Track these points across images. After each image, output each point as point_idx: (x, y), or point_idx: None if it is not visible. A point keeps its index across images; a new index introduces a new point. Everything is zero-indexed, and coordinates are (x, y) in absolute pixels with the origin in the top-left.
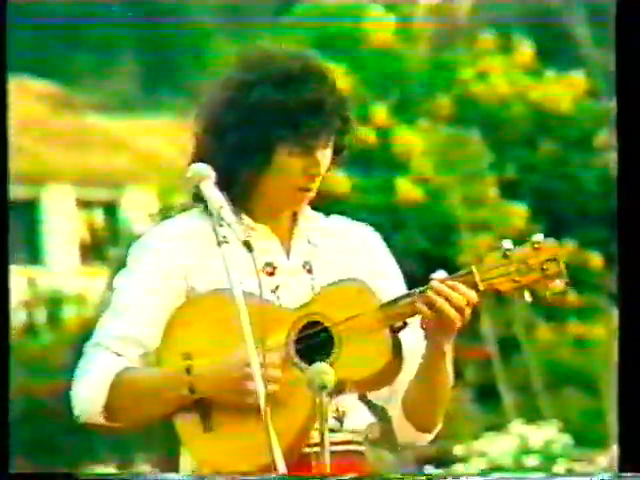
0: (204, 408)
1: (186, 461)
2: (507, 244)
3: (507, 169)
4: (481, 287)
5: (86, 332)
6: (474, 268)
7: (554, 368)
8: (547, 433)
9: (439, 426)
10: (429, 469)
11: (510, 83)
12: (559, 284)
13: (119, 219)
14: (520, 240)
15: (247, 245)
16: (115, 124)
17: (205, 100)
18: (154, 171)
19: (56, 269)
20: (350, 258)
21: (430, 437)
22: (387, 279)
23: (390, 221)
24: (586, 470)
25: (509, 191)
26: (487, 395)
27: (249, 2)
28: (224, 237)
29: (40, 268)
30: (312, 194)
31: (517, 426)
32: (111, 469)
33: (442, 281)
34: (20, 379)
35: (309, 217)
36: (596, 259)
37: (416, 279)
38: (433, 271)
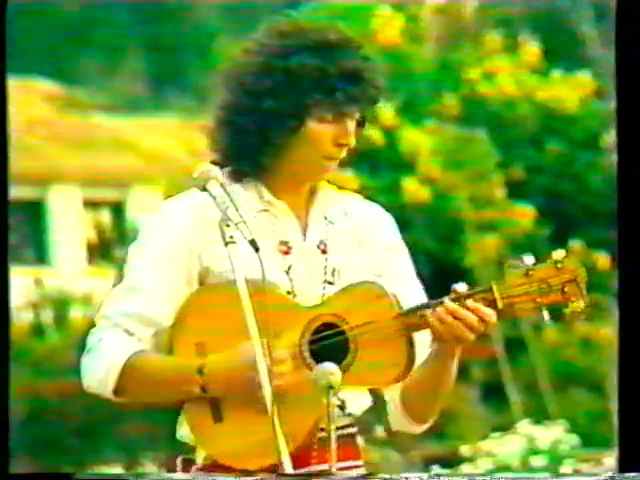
0: (214, 399)
1: (185, 432)
2: (528, 259)
3: (514, 169)
4: (500, 305)
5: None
6: (494, 285)
7: (561, 368)
8: (554, 433)
9: (434, 417)
10: (435, 469)
11: (517, 83)
12: (579, 305)
13: (126, 219)
14: (526, 241)
15: (253, 244)
16: (122, 124)
17: (234, 68)
18: (161, 171)
19: (63, 269)
20: (364, 239)
21: (425, 427)
22: (397, 264)
23: (397, 221)
24: (592, 471)
25: (516, 191)
26: (494, 395)
27: (255, 2)
28: (231, 237)
29: (47, 268)
30: (335, 165)
31: (524, 426)
32: (117, 469)
33: (458, 298)
34: (26, 379)
35: (326, 191)
36: (603, 259)
37: (423, 279)
38: (440, 271)
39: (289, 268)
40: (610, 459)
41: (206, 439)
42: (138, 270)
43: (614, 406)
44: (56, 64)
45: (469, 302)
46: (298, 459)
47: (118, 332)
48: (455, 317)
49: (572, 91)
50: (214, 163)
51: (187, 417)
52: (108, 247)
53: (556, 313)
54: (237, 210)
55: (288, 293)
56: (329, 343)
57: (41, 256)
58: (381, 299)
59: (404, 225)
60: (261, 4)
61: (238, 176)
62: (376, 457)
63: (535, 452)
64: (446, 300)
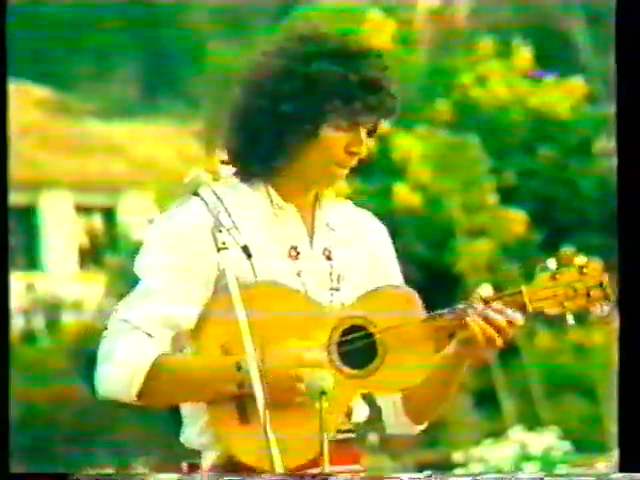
0: (241, 400)
1: (191, 436)
2: (551, 264)
3: (506, 175)
4: (530, 308)
5: (84, 338)
6: (523, 288)
7: (554, 374)
8: (547, 439)
9: (433, 419)
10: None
11: (509, 88)
12: (604, 309)
13: (117, 224)
14: (518, 246)
15: (245, 250)
16: (113, 130)
17: (253, 69)
18: (152, 177)
19: (54, 274)
20: (363, 245)
21: (420, 429)
22: (388, 268)
23: (388, 227)
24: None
25: (508, 197)
26: (486, 401)
27: (248, 7)
28: (223, 243)
29: (38, 273)
30: (344, 174)
31: (517, 432)
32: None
33: (487, 301)
34: (18, 384)
35: (329, 199)
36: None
37: (414, 284)
38: (432, 277)
39: (299, 272)
40: (603, 464)
41: (230, 439)
42: (155, 274)
43: (607, 411)
44: (48, 69)
45: (497, 305)
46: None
47: (140, 335)
48: (486, 320)
49: (564, 96)
50: (223, 162)
51: (211, 418)
52: (99, 252)
53: (547, 320)
54: (229, 216)
55: (312, 299)
56: (357, 346)
57: (33, 261)
58: (409, 303)
59: (395, 231)
60: (254, 10)
61: (247, 177)
62: (369, 463)
63: (527, 458)
64: (476, 303)
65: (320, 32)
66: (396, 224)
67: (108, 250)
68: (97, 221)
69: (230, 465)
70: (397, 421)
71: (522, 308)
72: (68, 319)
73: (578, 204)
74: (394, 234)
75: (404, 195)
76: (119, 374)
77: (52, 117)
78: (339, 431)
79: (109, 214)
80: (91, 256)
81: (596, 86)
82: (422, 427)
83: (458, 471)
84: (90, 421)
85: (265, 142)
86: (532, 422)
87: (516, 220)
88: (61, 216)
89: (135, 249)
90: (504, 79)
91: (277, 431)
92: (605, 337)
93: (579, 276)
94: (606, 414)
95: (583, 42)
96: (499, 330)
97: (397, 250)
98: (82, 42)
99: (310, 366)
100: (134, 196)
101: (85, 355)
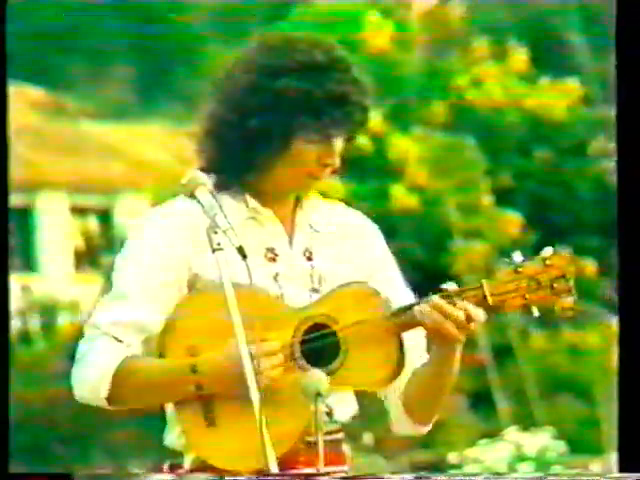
0: (207, 402)
1: (173, 438)
2: (517, 257)
3: (502, 176)
4: (490, 301)
5: (80, 339)
6: (484, 282)
7: (548, 375)
8: (541, 440)
9: (436, 418)
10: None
11: (505, 90)
12: (568, 301)
13: (113, 226)
14: (514, 247)
15: (241, 251)
16: (109, 131)
17: (224, 80)
18: (148, 178)
19: (50, 276)
20: (350, 247)
21: (426, 429)
22: (385, 271)
23: (384, 228)
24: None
25: (504, 198)
26: (482, 402)
27: (244, 8)
28: (218, 244)
29: (34, 275)
30: (319, 182)
31: (512, 433)
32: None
33: (446, 295)
34: (14, 386)
35: (312, 200)
36: (590, 267)
37: (410, 286)
38: (428, 278)
39: (276, 275)
40: (597, 465)
41: (199, 443)
42: (126, 277)
43: (601, 412)
44: (44, 71)
45: (458, 300)
46: (285, 463)
47: (108, 340)
48: (442, 313)
49: (560, 98)
50: (202, 170)
51: (179, 421)
52: (95, 254)
53: (542, 321)
54: (225, 217)
55: (277, 299)
56: (320, 344)
57: (28, 263)
58: (371, 299)
59: (392, 232)
60: (250, 10)
61: (224, 185)
62: (363, 464)
63: (522, 459)
64: (434, 297)
65: (289, 41)
66: (392, 225)
67: (104, 251)
68: (93, 222)
69: (207, 467)
70: (401, 420)
71: (483, 302)
72: (64, 321)
73: (573, 206)
74: (391, 235)
75: (400, 197)
76: (88, 378)
77: (48, 118)
78: (326, 433)
79: (105, 215)
80: (87, 258)
81: (592, 88)
82: (425, 427)
83: (453, 472)
84: (85, 423)
85: (235, 155)
86: (527, 423)
87: (512, 221)
88: (57, 217)
89: None
90: (500, 81)
91: (248, 428)
92: (600, 338)
93: (543, 268)
94: (601, 415)
95: (579, 43)
96: (458, 324)
97: (393, 252)
98: (78, 43)
99: (267, 356)
100: (130, 197)
101: None
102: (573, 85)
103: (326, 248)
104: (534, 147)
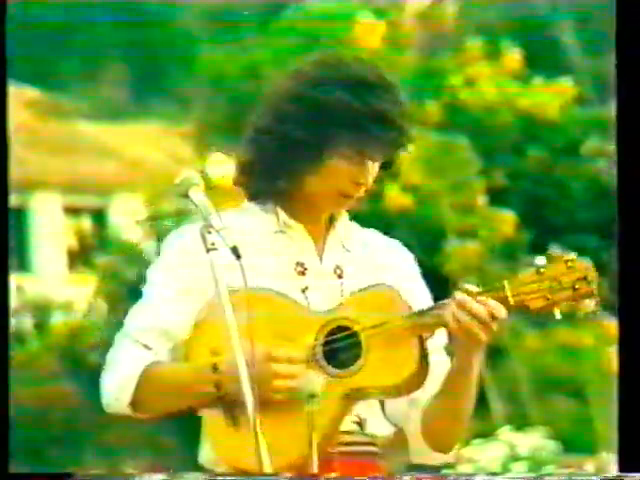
0: (229, 404)
1: (205, 454)
2: (540, 260)
3: (495, 176)
4: (512, 302)
5: (73, 339)
6: (506, 282)
7: (542, 375)
8: (535, 440)
9: (456, 447)
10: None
11: (498, 90)
12: (590, 304)
13: (107, 226)
14: (507, 247)
15: (235, 252)
16: (103, 131)
17: (271, 88)
18: (143, 178)
19: (44, 276)
20: (382, 270)
21: (445, 457)
22: (416, 298)
23: (379, 228)
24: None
25: (497, 198)
26: (475, 402)
27: (237, 8)
28: (212, 244)
29: (28, 275)
30: (352, 202)
31: (505, 433)
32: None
33: (468, 294)
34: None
35: (347, 225)
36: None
37: None
38: (422, 277)
39: (305, 288)
40: (591, 465)
41: (223, 446)
42: (155, 285)
43: (595, 412)
44: (37, 70)
45: (479, 297)
46: (319, 468)
47: (135, 347)
48: (466, 311)
49: (553, 98)
50: (236, 177)
51: (204, 426)
52: (89, 254)
53: (536, 321)
54: (220, 217)
55: (299, 303)
56: (342, 345)
57: (22, 263)
58: (393, 301)
59: (386, 231)
60: (243, 9)
61: (253, 195)
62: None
63: (516, 459)
64: (457, 294)
65: (339, 58)
66: (386, 225)
67: (98, 251)
68: (87, 222)
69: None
70: (418, 447)
71: (505, 302)
72: (57, 321)
73: (567, 205)
74: (385, 235)
75: (394, 196)
76: (113, 386)
77: (41, 118)
78: (346, 444)
79: (99, 215)
80: (81, 257)
81: (585, 87)
82: (444, 454)
83: (446, 471)
84: (78, 424)
85: (270, 163)
86: (521, 423)
87: (505, 221)
88: (51, 217)
89: (125, 250)
90: (493, 80)
91: (265, 432)
92: (594, 338)
93: (566, 270)
94: (595, 415)
95: (572, 43)
96: (482, 322)
97: None
98: (72, 43)
99: (289, 363)
100: (124, 197)
101: (74, 357)
102: (566, 85)
103: (357, 267)
104: (528, 147)
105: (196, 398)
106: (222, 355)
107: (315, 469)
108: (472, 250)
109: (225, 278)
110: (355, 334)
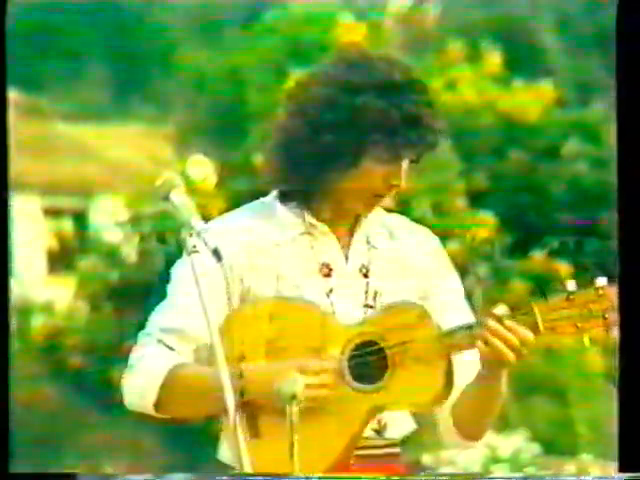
0: (252, 412)
1: (225, 452)
2: (571, 286)
3: (475, 179)
4: (541, 328)
5: (53, 341)
6: (535, 308)
7: (522, 377)
8: (516, 442)
9: (485, 434)
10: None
11: (478, 93)
12: (616, 331)
13: (88, 227)
14: (487, 250)
15: (216, 254)
16: (84, 132)
17: (297, 93)
18: (123, 180)
19: (24, 278)
20: (409, 263)
21: (476, 444)
22: (440, 295)
23: None
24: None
25: (478, 200)
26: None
27: (219, 11)
28: (194, 247)
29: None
30: (383, 201)
31: (486, 435)
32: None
33: (500, 319)
34: None
35: (371, 215)
36: (564, 269)
37: None
38: None
39: (330, 291)
40: (572, 467)
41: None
42: (180, 287)
43: (576, 414)
44: (17, 71)
45: (509, 323)
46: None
47: (159, 347)
48: (497, 337)
49: (534, 100)
50: (266, 182)
51: (226, 434)
52: (70, 256)
53: None
54: (201, 219)
55: (328, 314)
56: (367, 361)
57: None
58: (422, 319)
59: None
60: (224, 13)
61: (284, 198)
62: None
63: (497, 461)
64: (488, 320)
65: (367, 60)
66: None
67: (78, 253)
68: (67, 224)
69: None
70: (449, 433)
71: (534, 327)
72: (37, 323)
73: (547, 208)
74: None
75: None
76: (137, 385)
77: (21, 119)
78: (375, 447)
79: (79, 217)
80: (61, 259)
81: (565, 90)
82: (474, 442)
83: (427, 473)
84: (58, 425)
85: (303, 169)
86: (501, 425)
87: (485, 224)
88: (31, 219)
89: (106, 252)
90: (474, 83)
91: (275, 442)
92: (574, 339)
93: (596, 297)
94: (575, 416)
95: (552, 46)
96: (512, 348)
97: None
98: (52, 44)
99: (318, 374)
100: (105, 199)
101: (54, 359)
102: (547, 87)
103: (383, 264)
104: (508, 149)
105: (219, 403)
106: (249, 360)
107: (297, 470)
108: (452, 251)
109: (205, 277)
110: (381, 350)
